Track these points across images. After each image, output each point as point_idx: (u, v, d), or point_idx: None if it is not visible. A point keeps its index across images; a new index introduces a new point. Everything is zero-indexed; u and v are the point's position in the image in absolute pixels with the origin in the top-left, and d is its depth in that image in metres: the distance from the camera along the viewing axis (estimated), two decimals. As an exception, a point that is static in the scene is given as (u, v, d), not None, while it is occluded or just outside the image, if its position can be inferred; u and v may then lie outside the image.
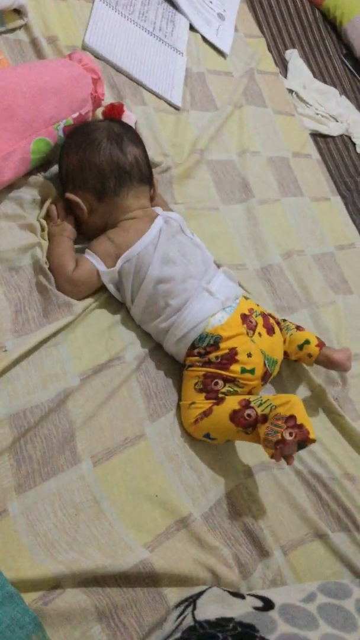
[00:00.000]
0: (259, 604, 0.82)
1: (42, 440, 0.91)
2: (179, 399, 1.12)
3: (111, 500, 0.93)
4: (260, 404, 0.99)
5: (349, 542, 1.13)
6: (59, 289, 1.06)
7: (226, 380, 1.07)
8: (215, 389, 1.06)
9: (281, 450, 0.94)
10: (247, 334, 1.10)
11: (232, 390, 1.07)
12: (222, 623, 0.77)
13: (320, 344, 1.24)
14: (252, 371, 1.08)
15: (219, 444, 1.09)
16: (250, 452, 1.13)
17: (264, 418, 0.98)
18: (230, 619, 0.77)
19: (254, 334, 1.11)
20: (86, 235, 1.15)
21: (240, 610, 0.80)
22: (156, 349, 1.14)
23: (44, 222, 1.12)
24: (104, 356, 1.05)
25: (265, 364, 1.11)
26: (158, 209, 1.17)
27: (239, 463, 1.11)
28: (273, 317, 1.21)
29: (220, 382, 1.07)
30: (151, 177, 1.20)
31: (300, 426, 0.94)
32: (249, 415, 1.00)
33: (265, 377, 1.12)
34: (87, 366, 1.02)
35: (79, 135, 1.12)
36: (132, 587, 0.85)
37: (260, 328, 1.13)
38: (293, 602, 0.82)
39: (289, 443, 0.93)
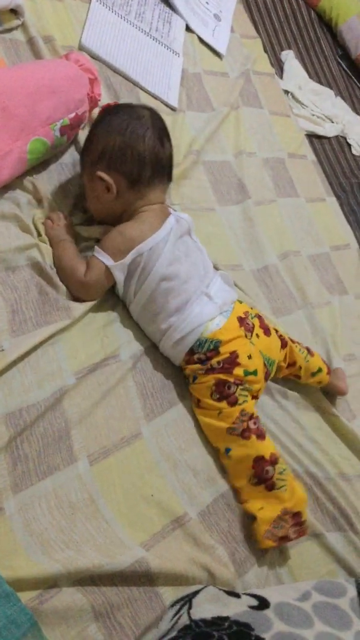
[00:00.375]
0: (255, 602, 0.82)
1: (38, 439, 0.91)
2: (177, 400, 1.12)
3: (107, 499, 0.93)
4: (281, 473, 1.04)
5: (344, 542, 1.13)
6: (72, 293, 1.07)
7: (234, 383, 1.07)
8: (229, 392, 1.06)
9: (281, 545, 1.02)
10: (246, 336, 1.10)
11: (244, 393, 1.07)
12: (217, 622, 0.77)
13: (329, 371, 1.30)
14: (254, 372, 1.09)
15: (222, 460, 1.09)
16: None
17: (272, 485, 1.02)
18: (226, 618, 0.78)
19: (252, 335, 1.12)
20: (97, 217, 1.16)
21: (235, 609, 0.81)
22: (152, 347, 1.14)
23: (39, 224, 1.12)
24: (100, 355, 1.05)
25: (265, 364, 1.12)
26: (170, 208, 1.18)
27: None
28: (276, 330, 1.23)
29: (232, 386, 1.07)
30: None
31: (303, 523, 1.03)
32: (267, 471, 1.03)
33: (266, 377, 1.14)
34: (83, 365, 1.02)
35: (124, 117, 1.10)
36: (128, 586, 0.86)
37: (258, 329, 1.14)
38: (288, 601, 0.82)
39: (292, 540, 1.03)
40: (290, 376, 1.28)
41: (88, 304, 1.08)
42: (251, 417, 1.06)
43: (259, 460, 1.04)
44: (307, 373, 1.26)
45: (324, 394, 1.34)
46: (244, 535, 1.03)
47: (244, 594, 0.87)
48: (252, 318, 1.15)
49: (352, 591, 0.86)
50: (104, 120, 1.12)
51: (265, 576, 1.00)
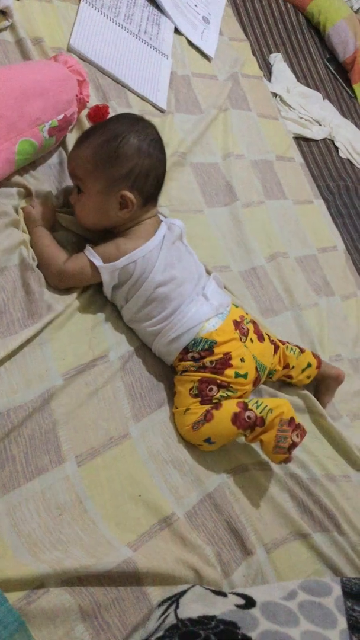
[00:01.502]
0: (241, 601, 0.82)
1: (26, 440, 0.91)
2: (166, 401, 1.13)
3: (95, 500, 0.93)
4: (258, 407, 1.06)
5: (330, 542, 1.14)
6: (47, 279, 1.07)
7: (220, 386, 1.09)
8: (209, 394, 1.08)
9: (292, 451, 1.05)
10: (240, 339, 1.12)
11: (225, 395, 1.09)
12: (204, 621, 0.77)
13: (319, 364, 1.31)
14: (245, 375, 1.10)
15: (213, 450, 1.10)
16: (233, 453, 1.14)
17: (262, 421, 1.05)
18: (213, 617, 0.78)
19: (246, 339, 1.14)
20: (89, 226, 1.14)
21: (222, 608, 0.81)
22: (141, 349, 1.15)
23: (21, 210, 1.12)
24: (88, 356, 1.06)
25: (257, 369, 1.13)
26: (161, 215, 1.19)
27: (223, 463, 1.12)
28: (269, 336, 1.24)
29: (215, 388, 1.08)
30: None
31: (299, 426, 1.06)
32: (249, 417, 1.05)
33: (256, 382, 1.15)
34: (71, 366, 1.02)
35: (150, 137, 1.10)
36: (116, 586, 0.86)
37: (252, 334, 1.16)
38: (274, 600, 0.82)
39: (299, 443, 1.06)
40: (283, 377, 1.29)
41: (70, 298, 1.08)
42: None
43: (234, 417, 1.05)
44: (299, 370, 1.28)
45: (315, 393, 1.35)
46: (230, 536, 1.03)
47: (231, 593, 0.87)
48: (247, 323, 1.17)
49: (337, 590, 0.87)
50: (132, 133, 1.08)
51: (252, 576, 1.01)
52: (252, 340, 1.15)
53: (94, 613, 0.82)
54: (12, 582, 0.76)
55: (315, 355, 1.31)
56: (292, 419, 1.05)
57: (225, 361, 1.08)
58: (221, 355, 1.08)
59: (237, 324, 1.13)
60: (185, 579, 0.91)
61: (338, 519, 1.17)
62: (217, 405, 1.07)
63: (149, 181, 1.10)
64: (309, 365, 1.29)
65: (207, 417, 1.06)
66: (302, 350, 1.29)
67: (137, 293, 1.08)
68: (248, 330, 1.15)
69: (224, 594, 0.86)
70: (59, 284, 1.08)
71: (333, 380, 1.33)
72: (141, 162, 1.08)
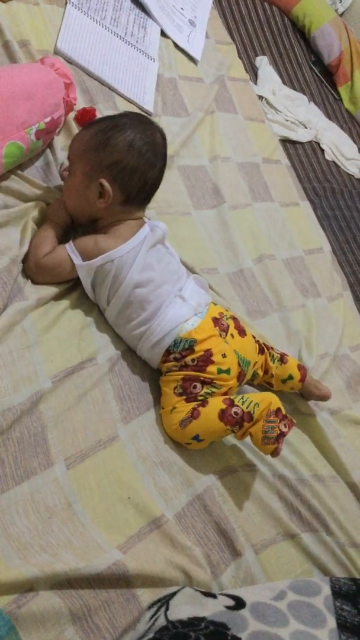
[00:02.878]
0: (231, 602, 0.83)
1: (15, 443, 0.91)
2: (154, 403, 1.13)
3: (84, 503, 0.93)
4: (244, 402, 1.06)
5: (319, 542, 1.15)
6: (25, 268, 1.08)
7: (204, 382, 1.09)
8: (194, 392, 1.09)
9: (280, 441, 1.05)
10: (220, 335, 1.12)
11: (209, 392, 1.09)
12: (194, 622, 0.78)
13: (303, 378, 1.28)
14: (227, 371, 1.10)
15: (202, 447, 1.11)
16: (222, 454, 1.14)
17: (250, 416, 1.05)
18: (203, 618, 0.78)
19: (226, 335, 1.14)
20: (71, 209, 1.14)
21: (212, 609, 0.81)
22: (129, 351, 1.15)
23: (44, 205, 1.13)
24: (76, 358, 1.06)
25: (239, 364, 1.13)
26: (145, 218, 1.20)
27: (212, 465, 1.12)
28: (254, 337, 1.25)
29: (199, 385, 1.09)
30: None
31: (286, 416, 1.07)
32: (235, 413, 1.05)
33: (240, 378, 1.15)
34: (60, 368, 1.02)
35: (146, 138, 1.11)
36: (106, 588, 0.86)
37: (232, 330, 1.16)
38: (264, 600, 0.83)
39: (287, 433, 1.06)
40: (264, 383, 1.30)
41: (45, 292, 1.08)
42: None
43: (221, 414, 1.05)
44: (278, 380, 1.27)
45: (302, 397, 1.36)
46: (219, 537, 1.03)
47: (220, 594, 0.88)
48: (226, 319, 1.17)
49: (326, 590, 0.87)
50: (128, 131, 1.10)
51: (241, 577, 1.01)
52: (232, 336, 1.15)
53: (84, 616, 0.82)
54: (1, 586, 0.76)
55: (300, 368, 1.29)
56: (278, 409, 1.06)
57: (207, 358, 1.09)
58: (202, 353, 1.09)
59: (216, 320, 1.14)
60: (175, 581, 0.92)
61: (326, 519, 1.18)
62: (203, 403, 1.08)
63: (133, 179, 1.10)
64: (290, 377, 1.27)
65: (193, 415, 1.06)
66: (283, 360, 1.27)
67: (116, 294, 1.09)
68: (228, 326, 1.16)
69: (214, 595, 0.87)
70: (35, 276, 1.08)
71: (317, 398, 1.32)
72: (128, 159, 1.09)
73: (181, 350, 1.09)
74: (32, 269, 1.07)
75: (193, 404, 1.08)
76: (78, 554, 0.86)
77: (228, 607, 0.81)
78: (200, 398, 1.09)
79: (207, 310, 1.14)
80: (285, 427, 1.06)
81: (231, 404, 1.06)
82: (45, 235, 1.10)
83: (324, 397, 1.31)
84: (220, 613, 0.80)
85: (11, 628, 0.73)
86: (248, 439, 1.09)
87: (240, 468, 1.14)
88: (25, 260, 1.08)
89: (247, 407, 1.05)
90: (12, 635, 0.73)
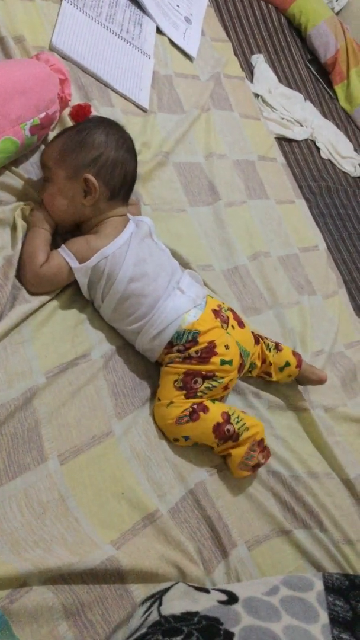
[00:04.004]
0: (224, 597, 0.83)
1: (8, 439, 0.91)
2: (149, 398, 1.13)
3: (78, 498, 0.93)
4: (237, 422, 1.10)
5: (312, 539, 1.15)
6: (23, 281, 1.06)
7: (205, 377, 1.10)
8: (194, 387, 1.09)
9: (254, 470, 1.12)
10: (222, 326, 1.13)
11: (210, 387, 1.10)
12: (187, 617, 0.78)
13: (299, 364, 1.30)
14: (230, 362, 1.11)
15: (185, 445, 1.11)
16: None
17: (237, 437, 1.10)
18: (195, 613, 0.79)
19: (227, 326, 1.15)
20: (56, 216, 1.13)
21: (205, 604, 0.81)
22: (124, 347, 1.15)
23: (26, 208, 1.12)
24: (70, 354, 1.06)
25: (241, 355, 1.15)
26: (129, 214, 1.20)
27: (206, 460, 1.12)
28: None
29: (200, 380, 1.10)
30: None
31: (266, 448, 1.14)
32: (228, 430, 1.09)
33: (240, 368, 1.16)
34: (53, 364, 1.02)
35: (122, 134, 1.16)
36: (99, 584, 0.86)
37: (232, 321, 1.17)
38: (256, 595, 0.83)
39: (262, 465, 1.14)
40: (262, 374, 1.30)
41: (47, 297, 1.08)
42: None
43: (216, 427, 1.08)
44: (276, 368, 1.28)
45: (299, 383, 1.36)
46: (212, 533, 1.04)
47: (214, 589, 0.88)
48: (225, 311, 1.18)
49: (319, 585, 0.88)
50: (99, 128, 1.13)
51: (234, 573, 1.02)
52: (233, 327, 1.16)
53: (77, 611, 0.82)
54: (-6, 581, 0.76)
55: (295, 354, 1.31)
56: (262, 440, 1.13)
57: (211, 349, 1.09)
58: (206, 344, 1.09)
59: (216, 312, 1.15)
60: (168, 576, 0.92)
61: (320, 515, 1.18)
62: (204, 408, 1.09)
63: (115, 173, 1.12)
64: (287, 364, 1.29)
65: (192, 417, 1.07)
66: (278, 348, 1.29)
67: (110, 291, 1.09)
68: (228, 317, 1.17)
69: (207, 591, 0.87)
70: (34, 287, 1.07)
71: (314, 382, 1.34)
72: (107, 153, 1.12)
73: (185, 342, 1.10)
74: (31, 281, 1.07)
75: (191, 401, 1.09)
76: (71, 550, 0.86)
77: (221, 602, 0.82)
78: (199, 394, 1.09)
79: (206, 303, 1.15)
80: (263, 458, 1.13)
81: (227, 420, 1.09)
82: (37, 244, 1.08)
83: (321, 380, 1.34)
84: (213, 608, 0.80)
85: (4, 623, 0.73)
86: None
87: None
88: (21, 272, 1.07)
89: (238, 428, 1.10)
90: (5, 631, 0.73)
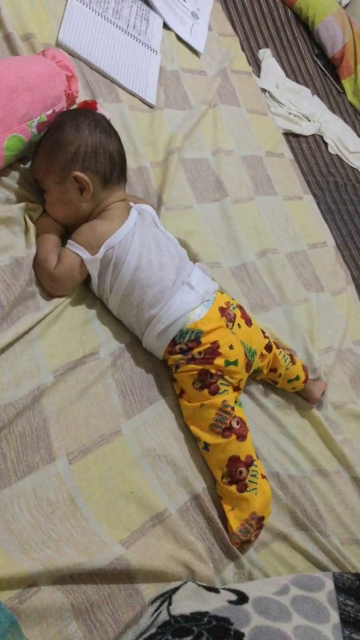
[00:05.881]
0: (233, 597, 0.83)
1: (17, 438, 0.91)
2: (157, 397, 1.12)
3: (87, 498, 0.93)
4: (254, 476, 1.07)
5: (319, 540, 1.14)
6: (43, 287, 1.07)
7: (216, 375, 1.08)
8: (212, 381, 1.08)
9: (243, 547, 1.06)
10: (227, 326, 1.12)
11: (225, 383, 1.09)
12: (197, 617, 0.78)
13: (306, 380, 1.30)
14: (235, 362, 1.10)
15: (200, 449, 1.11)
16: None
17: (244, 487, 1.05)
18: (205, 613, 0.78)
19: (233, 325, 1.13)
20: (64, 222, 1.14)
21: (215, 604, 0.81)
22: (132, 345, 1.14)
23: (33, 212, 1.12)
24: (78, 353, 1.05)
25: (246, 354, 1.13)
26: (131, 202, 1.20)
27: (214, 459, 1.12)
28: (263, 332, 1.25)
29: (215, 376, 1.08)
30: None
31: (262, 526, 1.07)
32: (240, 472, 1.06)
33: (247, 367, 1.15)
34: (61, 363, 1.02)
35: (88, 119, 1.12)
36: (108, 583, 0.86)
37: (239, 319, 1.16)
38: (267, 595, 0.83)
39: (252, 543, 1.06)
40: (267, 380, 1.29)
41: (59, 300, 1.07)
42: (235, 415, 1.07)
43: (234, 460, 1.06)
44: (285, 379, 1.28)
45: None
46: (221, 533, 1.03)
47: (223, 589, 0.87)
48: (233, 309, 1.16)
49: (329, 585, 0.87)
50: (66, 123, 1.11)
51: (242, 573, 1.01)
52: (239, 326, 1.15)
53: (86, 611, 0.82)
54: (4, 581, 0.76)
55: (304, 369, 1.32)
56: (262, 518, 1.06)
57: (214, 350, 1.08)
58: (209, 345, 1.08)
59: (223, 310, 1.13)
60: (177, 576, 0.92)
61: (328, 516, 1.18)
62: (242, 435, 1.07)
63: (99, 159, 1.11)
64: (297, 378, 1.29)
65: (225, 434, 1.06)
66: (293, 361, 1.29)
67: (117, 281, 1.09)
68: (235, 315, 1.15)
69: (217, 590, 0.87)
70: (54, 290, 1.08)
71: (309, 400, 1.33)
72: (84, 142, 1.10)
73: (187, 342, 1.08)
74: (50, 284, 1.07)
75: (220, 398, 1.07)
76: (80, 549, 0.86)
77: (231, 602, 0.81)
78: (222, 387, 1.08)
79: (214, 299, 1.13)
80: (255, 537, 1.06)
81: (247, 464, 1.06)
82: (47, 249, 1.08)
83: (315, 401, 1.33)
84: (223, 608, 0.80)
85: (13, 623, 0.73)
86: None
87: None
88: (39, 279, 1.07)
89: (249, 481, 1.06)
90: (15, 631, 0.73)
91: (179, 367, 1.11)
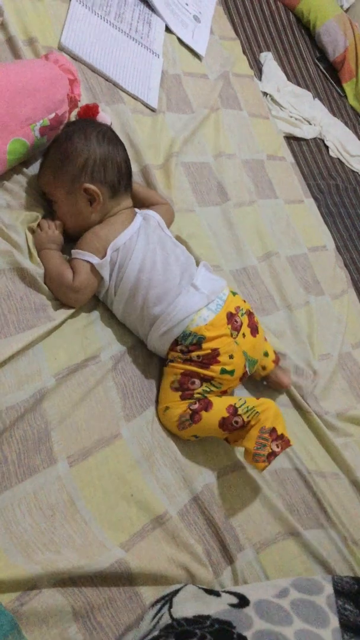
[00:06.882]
0: (235, 600, 0.83)
1: (18, 441, 0.91)
2: (157, 400, 1.13)
3: (87, 500, 0.93)
4: (247, 411, 1.06)
5: (321, 540, 1.15)
6: (63, 301, 1.08)
7: (203, 379, 1.09)
8: (191, 388, 1.08)
9: (271, 461, 1.03)
10: (231, 334, 1.11)
11: (208, 390, 1.09)
12: (199, 620, 0.78)
13: (276, 360, 1.28)
14: (231, 372, 1.10)
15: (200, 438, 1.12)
16: (224, 452, 1.14)
17: (247, 424, 1.05)
18: (208, 617, 0.78)
19: (238, 334, 1.12)
20: (74, 233, 1.14)
21: (216, 607, 0.81)
22: (133, 348, 1.15)
23: (31, 228, 1.12)
24: (80, 356, 1.05)
25: (245, 366, 1.13)
26: (136, 208, 1.21)
27: (214, 462, 1.12)
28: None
29: (197, 382, 1.08)
30: None
31: (282, 436, 1.06)
32: (236, 422, 1.06)
33: (242, 378, 1.15)
34: (63, 366, 1.02)
35: (95, 129, 1.14)
36: (108, 586, 0.86)
37: (245, 328, 1.14)
38: (267, 598, 0.83)
39: (279, 453, 1.04)
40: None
41: (69, 309, 1.08)
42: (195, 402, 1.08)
43: (222, 422, 1.06)
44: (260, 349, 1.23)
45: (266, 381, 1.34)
46: (220, 535, 1.03)
47: (224, 591, 0.88)
48: (242, 315, 1.15)
49: (328, 588, 0.87)
50: (74, 135, 1.12)
51: (240, 576, 1.01)
52: (244, 335, 1.13)
53: (86, 614, 0.82)
54: (4, 584, 0.76)
55: (275, 352, 1.29)
56: (274, 429, 1.05)
57: (213, 357, 1.08)
58: (209, 351, 1.08)
59: (230, 316, 1.12)
60: (177, 579, 0.92)
61: (328, 515, 1.18)
62: (206, 405, 1.07)
63: (108, 170, 1.12)
64: (266, 354, 1.25)
65: (194, 419, 1.06)
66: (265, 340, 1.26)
67: (121, 282, 1.09)
68: (242, 323, 1.13)
69: (217, 593, 0.87)
70: (75, 301, 1.08)
71: (277, 384, 1.30)
72: (92, 154, 1.11)
73: (188, 344, 1.09)
74: (72, 296, 1.08)
75: (187, 402, 1.08)
76: (81, 552, 0.86)
77: (232, 605, 0.81)
78: (197, 396, 1.08)
79: (225, 303, 1.12)
80: (277, 447, 1.04)
81: (234, 412, 1.06)
82: (56, 264, 1.09)
83: (282, 385, 1.30)
84: (224, 611, 0.80)
85: (14, 626, 0.73)
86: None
87: (241, 466, 1.14)
88: (59, 296, 1.08)
89: (248, 417, 1.05)
90: (15, 633, 0.73)
91: (173, 361, 1.11)
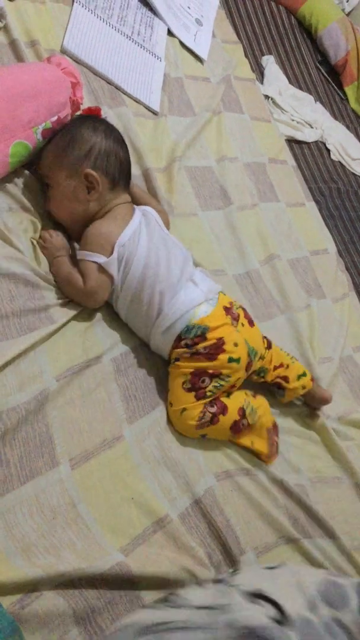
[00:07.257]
0: (273, 613, 0.79)
1: (20, 443, 0.91)
2: (160, 402, 1.13)
3: (88, 503, 0.93)
4: (251, 413, 1.15)
5: (322, 547, 1.14)
6: (84, 305, 1.10)
7: (212, 376, 1.10)
8: (202, 386, 1.09)
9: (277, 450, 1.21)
10: (232, 324, 1.13)
11: (218, 386, 1.10)
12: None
13: (312, 378, 1.32)
14: (238, 360, 1.11)
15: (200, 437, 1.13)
16: (227, 456, 1.14)
17: (253, 426, 1.16)
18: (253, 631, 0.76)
19: (237, 324, 1.15)
20: (65, 220, 1.15)
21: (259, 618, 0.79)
22: (135, 350, 1.15)
23: (35, 240, 1.12)
24: (82, 358, 1.05)
25: (248, 354, 1.14)
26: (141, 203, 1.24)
27: (216, 466, 1.12)
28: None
29: (207, 380, 1.10)
30: None
31: (275, 426, 1.23)
32: (243, 424, 1.13)
33: (248, 367, 1.16)
34: (65, 368, 1.02)
35: (105, 125, 1.17)
36: (109, 589, 0.86)
37: (242, 319, 1.18)
38: (305, 615, 0.78)
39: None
40: (279, 379, 1.27)
41: (71, 310, 1.08)
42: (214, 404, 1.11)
43: (234, 425, 1.12)
44: (294, 374, 1.27)
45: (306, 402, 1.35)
46: (221, 539, 1.03)
47: (254, 594, 0.84)
48: (236, 309, 1.18)
49: (354, 601, 0.83)
50: (86, 123, 1.14)
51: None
52: (243, 325, 1.17)
53: (87, 617, 0.82)
54: (5, 586, 0.76)
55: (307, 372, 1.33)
56: (275, 425, 1.21)
57: (219, 346, 1.09)
58: (214, 341, 1.09)
59: (227, 309, 1.15)
60: (180, 582, 0.91)
61: (328, 524, 1.17)
62: (224, 409, 1.10)
63: (110, 161, 1.14)
64: (304, 374, 1.29)
65: (213, 421, 1.10)
66: (294, 358, 1.31)
67: (127, 279, 1.10)
68: (239, 315, 1.17)
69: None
70: (92, 303, 1.11)
71: (319, 401, 1.33)
72: (99, 143, 1.13)
73: (193, 337, 1.09)
74: (87, 299, 1.10)
75: (203, 402, 1.09)
76: (82, 555, 0.86)
77: (274, 620, 0.77)
78: (209, 393, 1.09)
79: (218, 299, 1.15)
80: (277, 436, 1.21)
81: (242, 415, 1.13)
82: (66, 271, 1.10)
83: (325, 400, 1.33)
84: (265, 627, 0.77)
85: (15, 629, 0.73)
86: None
87: (241, 471, 1.14)
88: (77, 301, 1.10)
89: (252, 420, 1.14)
90: (16, 636, 0.73)
91: (178, 359, 1.12)
